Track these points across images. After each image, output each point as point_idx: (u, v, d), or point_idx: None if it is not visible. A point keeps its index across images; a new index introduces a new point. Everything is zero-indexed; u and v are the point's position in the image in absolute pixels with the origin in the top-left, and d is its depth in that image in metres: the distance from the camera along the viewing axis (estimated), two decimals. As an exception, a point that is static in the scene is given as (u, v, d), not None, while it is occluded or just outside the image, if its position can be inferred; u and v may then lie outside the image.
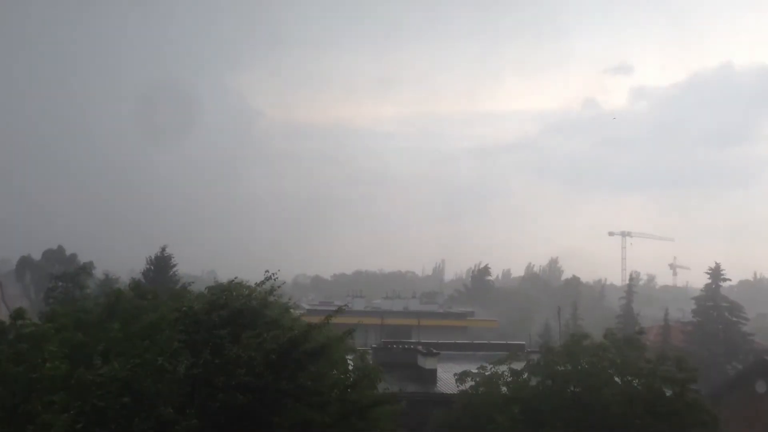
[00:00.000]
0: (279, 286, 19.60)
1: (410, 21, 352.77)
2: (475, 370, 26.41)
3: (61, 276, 50.11)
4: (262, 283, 19.12)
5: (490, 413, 23.32)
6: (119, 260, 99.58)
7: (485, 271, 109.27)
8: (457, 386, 27.09)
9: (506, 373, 25.35)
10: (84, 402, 15.04)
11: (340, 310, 19.80)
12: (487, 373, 25.73)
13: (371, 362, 23.74)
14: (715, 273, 60.08)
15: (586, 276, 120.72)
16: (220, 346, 16.94)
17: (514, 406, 23.38)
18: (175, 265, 59.24)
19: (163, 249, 59.12)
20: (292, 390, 16.76)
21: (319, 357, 17.64)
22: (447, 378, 30.95)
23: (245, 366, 16.43)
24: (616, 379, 24.57)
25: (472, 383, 25.76)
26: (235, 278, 20.09)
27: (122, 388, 15.42)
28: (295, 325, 18.78)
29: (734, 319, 58.72)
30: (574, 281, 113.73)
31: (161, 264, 58.24)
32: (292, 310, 23.17)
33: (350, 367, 20.17)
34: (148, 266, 58.62)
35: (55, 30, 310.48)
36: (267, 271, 19.05)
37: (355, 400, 18.01)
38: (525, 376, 24.94)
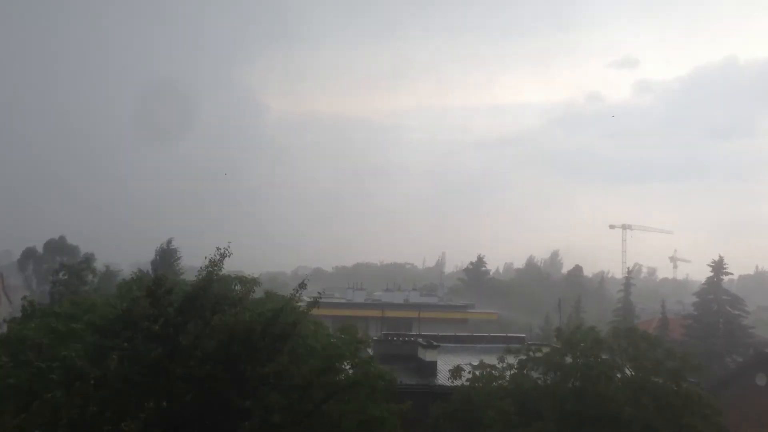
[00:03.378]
0: (226, 256, 17.45)
1: (414, 15, 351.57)
2: (472, 364, 26.47)
3: (63, 268, 50.27)
4: (216, 262, 17.26)
5: (487, 406, 23.36)
6: (122, 253, 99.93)
7: (480, 262, 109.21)
8: (451, 381, 27.16)
9: (513, 365, 25.34)
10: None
11: (314, 302, 18.16)
12: (493, 363, 25.76)
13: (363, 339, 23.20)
14: (718, 266, 60.01)
15: (588, 269, 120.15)
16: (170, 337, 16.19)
17: (506, 400, 23.36)
18: (179, 258, 59.66)
19: (169, 242, 59.59)
20: (271, 375, 16.33)
21: (289, 338, 16.93)
22: (447, 370, 31.05)
23: (197, 355, 15.78)
24: (627, 371, 24.64)
25: (470, 376, 25.81)
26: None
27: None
28: (263, 305, 17.85)
29: (735, 312, 58.78)
30: (576, 271, 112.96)
31: (166, 256, 58.69)
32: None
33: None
34: (156, 257, 59.02)
35: (61, 25, 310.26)
36: (218, 248, 17.38)
37: (333, 382, 17.83)
38: (527, 369, 24.95)
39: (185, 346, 16.06)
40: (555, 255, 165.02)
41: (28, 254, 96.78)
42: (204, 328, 16.45)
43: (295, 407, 16.69)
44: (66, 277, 47.79)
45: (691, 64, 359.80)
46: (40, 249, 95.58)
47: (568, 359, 24.40)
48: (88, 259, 56.03)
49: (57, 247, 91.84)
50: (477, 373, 25.62)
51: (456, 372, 26.32)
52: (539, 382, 24.35)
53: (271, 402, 16.48)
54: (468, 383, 25.56)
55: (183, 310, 16.62)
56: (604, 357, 24.74)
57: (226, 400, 15.86)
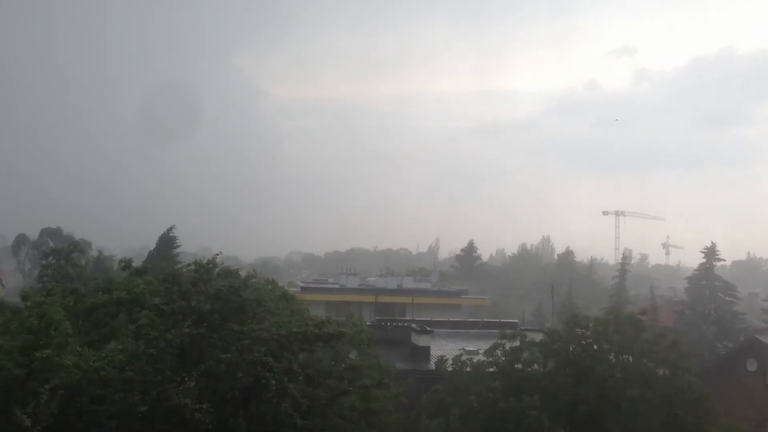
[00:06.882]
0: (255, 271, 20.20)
1: (413, 1, 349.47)
2: (460, 350, 26.63)
3: (53, 252, 49.82)
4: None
5: (473, 390, 23.49)
6: (116, 239, 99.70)
7: (471, 248, 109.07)
8: (448, 367, 27.29)
9: (500, 352, 25.36)
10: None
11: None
12: (485, 348, 25.81)
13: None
14: (710, 252, 60.13)
15: (580, 255, 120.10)
16: (210, 321, 17.21)
17: (496, 382, 23.44)
18: (179, 245, 59.32)
19: (170, 229, 59.15)
20: (298, 369, 17.10)
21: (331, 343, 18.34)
22: (440, 355, 31.11)
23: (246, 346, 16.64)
24: (612, 357, 24.70)
25: (461, 361, 25.89)
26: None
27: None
28: (293, 316, 19.18)
29: (727, 298, 58.99)
30: (568, 255, 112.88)
31: (165, 243, 58.24)
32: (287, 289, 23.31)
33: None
34: (157, 244, 58.60)
35: (62, 20, 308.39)
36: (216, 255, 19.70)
37: (354, 379, 18.46)
38: (523, 355, 24.98)
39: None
40: (546, 240, 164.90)
41: (21, 240, 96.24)
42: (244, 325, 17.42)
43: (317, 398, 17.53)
44: (55, 261, 47.30)
45: (690, 53, 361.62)
46: (35, 236, 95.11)
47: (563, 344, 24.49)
48: (76, 242, 55.48)
49: (52, 234, 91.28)
50: (462, 359, 25.75)
51: (440, 363, 26.58)
52: (535, 366, 24.39)
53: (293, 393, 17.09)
54: (454, 368, 25.69)
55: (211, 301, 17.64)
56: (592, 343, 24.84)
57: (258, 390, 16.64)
